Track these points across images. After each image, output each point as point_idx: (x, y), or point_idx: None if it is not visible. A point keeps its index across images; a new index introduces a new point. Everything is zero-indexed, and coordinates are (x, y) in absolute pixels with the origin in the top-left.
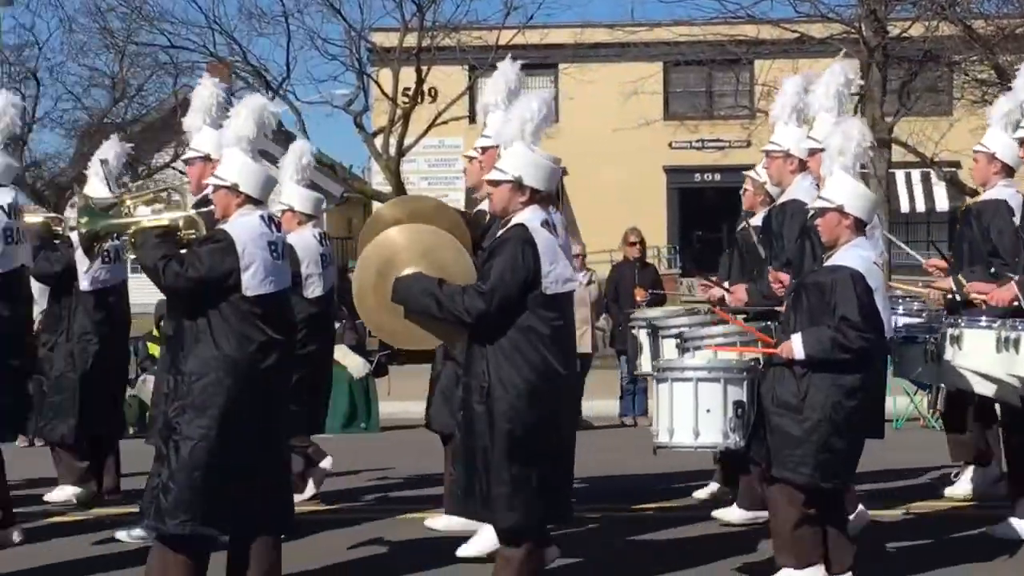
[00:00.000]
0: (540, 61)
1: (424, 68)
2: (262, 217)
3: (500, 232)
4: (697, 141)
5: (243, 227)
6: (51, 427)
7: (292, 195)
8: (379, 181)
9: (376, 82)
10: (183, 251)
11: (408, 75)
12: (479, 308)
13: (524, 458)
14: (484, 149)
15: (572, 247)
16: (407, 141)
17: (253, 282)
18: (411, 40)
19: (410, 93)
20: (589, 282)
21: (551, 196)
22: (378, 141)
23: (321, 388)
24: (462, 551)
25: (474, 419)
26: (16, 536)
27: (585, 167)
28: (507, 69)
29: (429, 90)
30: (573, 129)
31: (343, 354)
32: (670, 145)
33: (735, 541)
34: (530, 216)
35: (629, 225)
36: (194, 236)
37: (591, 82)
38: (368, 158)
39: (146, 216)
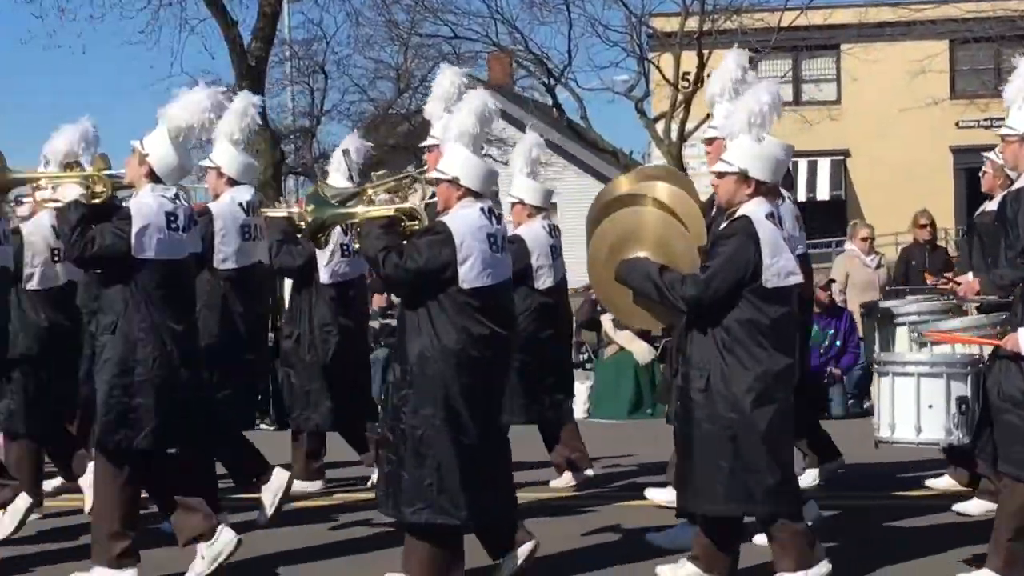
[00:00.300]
0: (823, 42)
1: (705, 52)
2: (482, 210)
3: (724, 224)
4: (985, 120)
5: (462, 220)
6: (304, 416)
7: (522, 187)
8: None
9: (657, 67)
10: (405, 243)
11: (689, 59)
12: (694, 297)
13: (741, 448)
14: (711, 140)
15: (861, 232)
16: (688, 126)
17: (470, 275)
18: (692, 24)
19: (691, 78)
20: (878, 266)
21: (777, 187)
22: (659, 126)
23: (551, 376)
24: None
25: (692, 408)
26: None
27: (870, 148)
28: (733, 59)
29: (710, 74)
30: (857, 110)
31: (628, 340)
32: (957, 124)
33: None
34: (755, 208)
35: (915, 207)
36: (417, 228)
37: (875, 62)
38: (648, 143)
39: (371, 207)
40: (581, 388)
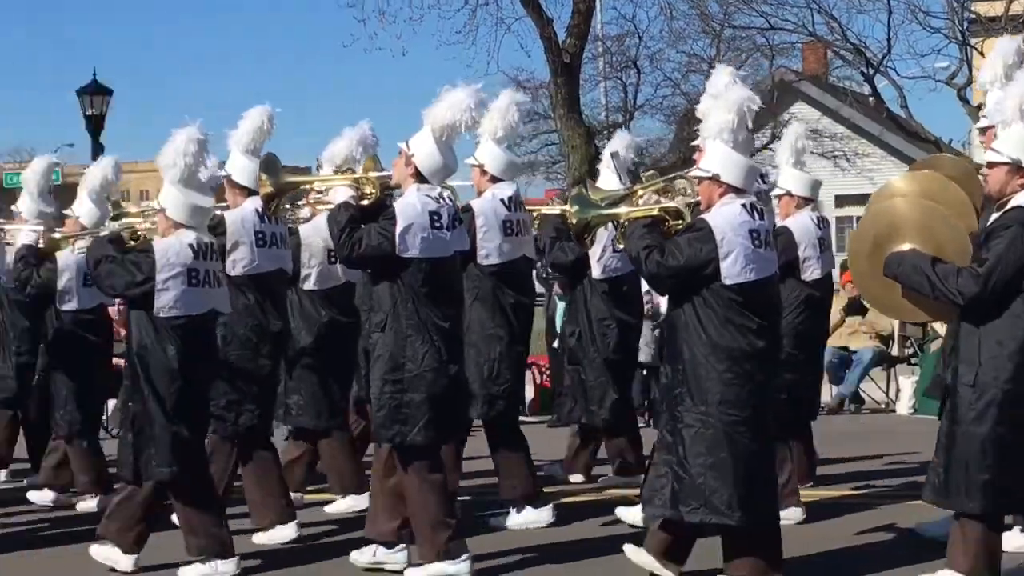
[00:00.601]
0: None
1: None
2: (744, 206)
3: (997, 215)
4: None
5: (723, 216)
6: (592, 411)
7: (789, 179)
8: (982, 156)
9: (980, 52)
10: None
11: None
12: (973, 291)
13: (1007, 446)
14: (983, 129)
15: None
16: None
17: (733, 270)
18: (1017, 8)
19: None
20: None
21: None
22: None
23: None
24: None
25: (959, 404)
26: (547, 515)
27: None
28: (1004, 44)
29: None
30: None
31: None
32: None
33: None
34: None
35: None
36: (681, 226)
37: None
38: (969, 132)
39: (634, 207)
40: (907, 383)
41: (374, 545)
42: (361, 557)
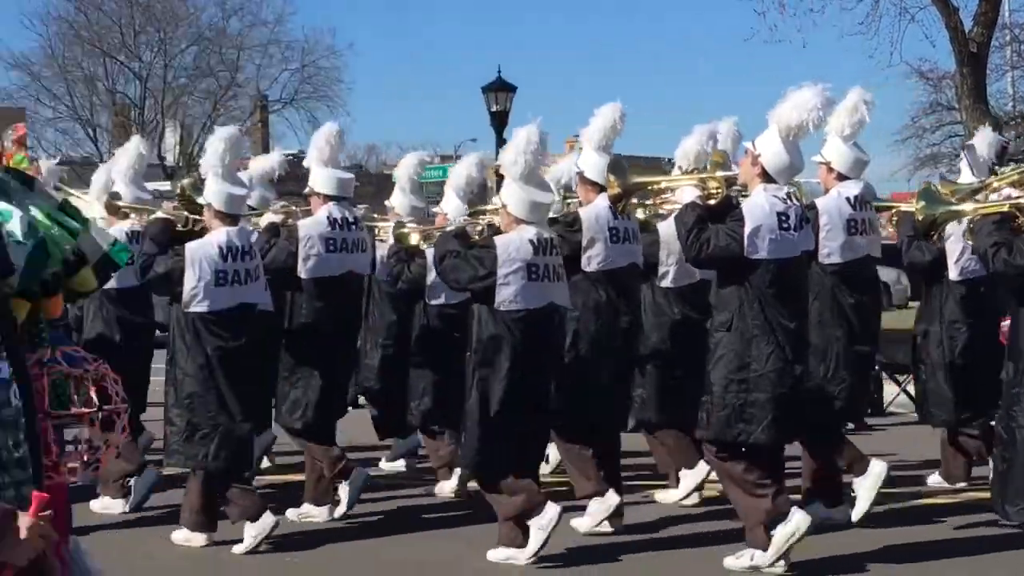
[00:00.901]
0: None
1: None
2: None
3: None
4: None
5: None
6: (931, 413)
7: None
8: None
9: None
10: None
11: None
12: None
13: None
14: None
15: None
16: None
17: None
18: None
19: None
20: None
21: None
22: None
23: None
24: None
25: None
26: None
27: None
28: None
29: None
30: None
31: None
32: None
33: None
34: None
35: None
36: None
37: None
38: None
39: (983, 204)
40: None
41: (750, 549)
42: (737, 562)
